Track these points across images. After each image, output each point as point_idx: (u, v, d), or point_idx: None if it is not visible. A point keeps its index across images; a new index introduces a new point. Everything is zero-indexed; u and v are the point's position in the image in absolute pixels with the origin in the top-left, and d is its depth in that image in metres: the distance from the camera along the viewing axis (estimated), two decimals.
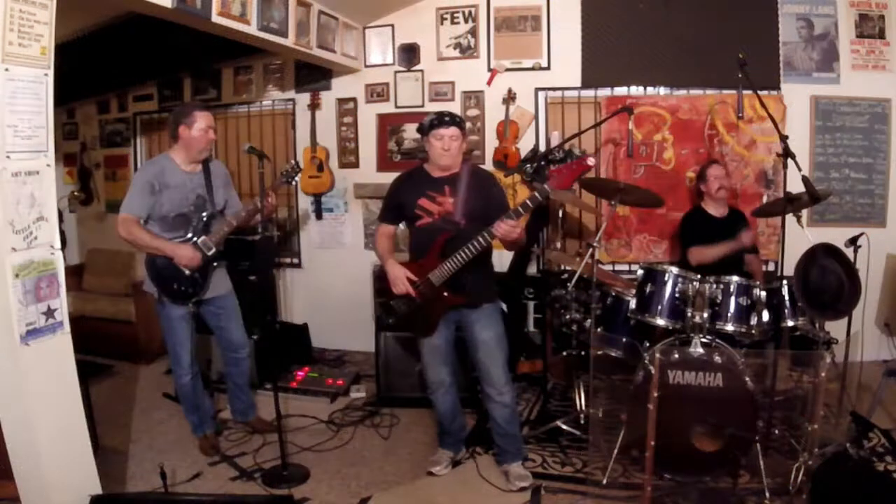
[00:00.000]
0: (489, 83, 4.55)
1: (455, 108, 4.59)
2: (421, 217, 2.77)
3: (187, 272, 2.98)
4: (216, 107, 4.96)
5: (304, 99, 4.84)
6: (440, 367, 2.92)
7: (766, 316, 2.96)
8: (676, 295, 2.97)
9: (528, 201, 2.50)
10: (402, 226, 2.99)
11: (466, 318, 2.82)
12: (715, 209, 3.73)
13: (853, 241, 3.06)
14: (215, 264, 3.08)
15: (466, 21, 4.56)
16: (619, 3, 4.32)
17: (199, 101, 5.04)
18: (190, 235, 3.00)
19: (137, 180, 2.95)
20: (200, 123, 2.93)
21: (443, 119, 2.73)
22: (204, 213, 3.02)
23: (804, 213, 3.21)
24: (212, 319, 3.22)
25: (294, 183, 3.16)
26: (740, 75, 2.96)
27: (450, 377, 2.96)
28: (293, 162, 3.14)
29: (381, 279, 4.28)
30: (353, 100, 4.80)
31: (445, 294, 2.72)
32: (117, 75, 5.15)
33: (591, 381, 3.21)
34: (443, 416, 3.02)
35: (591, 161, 2.44)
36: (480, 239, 2.57)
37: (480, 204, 2.74)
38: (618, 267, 4.50)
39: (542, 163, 3.72)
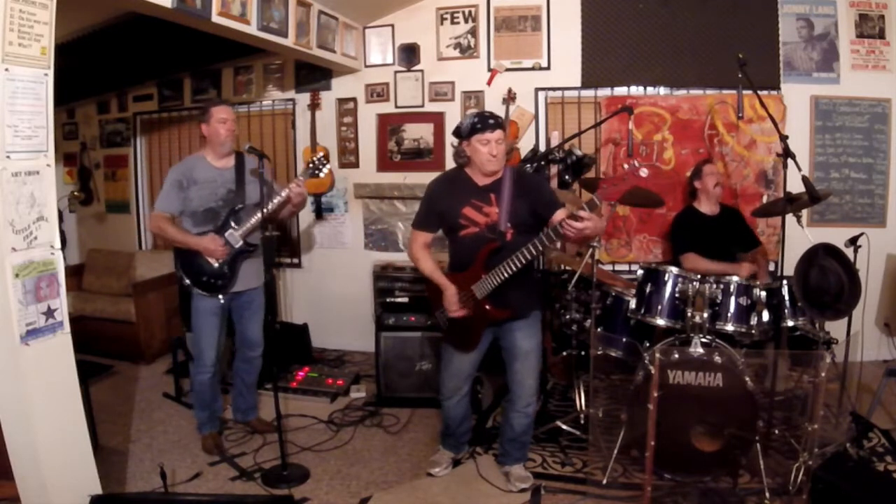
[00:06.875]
0: (489, 83, 4.55)
1: (455, 108, 4.60)
2: (465, 227, 2.63)
3: (216, 265, 3.04)
4: None
5: (304, 99, 4.84)
6: (464, 379, 2.87)
7: (766, 316, 2.97)
8: (676, 295, 2.97)
9: (594, 199, 2.34)
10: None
11: (507, 327, 2.69)
12: (708, 207, 3.73)
13: (853, 241, 3.05)
14: (244, 257, 3.10)
15: (466, 21, 4.56)
16: (619, 3, 4.32)
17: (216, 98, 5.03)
18: (217, 229, 3.04)
19: (168, 178, 3.07)
20: (216, 117, 3.02)
21: (486, 122, 2.53)
22: (233, 208, 3.06)
23: (804, 213, 3.21)
24: (236, 313, 3.24)
25: (323, 175, 3.17)
26: (740, 75, 2.97)
27: (468, 385, 2.93)
28: (321, 154, 3.16)
29: (380, 279, 4.32)
30: (353, 100, 4.80)
31: (488, 308, 2.61)
32: (117, 75, 5.16)
33: (591, 381, 3.21)
34: (452, 420, 3.00)
35: (643, 173, 2.17)
36: (526, 250, 2.44)
37: (527, 210, 2.59)
38: (618, 267, 4.50)
39: (542, 163, 3.72)
